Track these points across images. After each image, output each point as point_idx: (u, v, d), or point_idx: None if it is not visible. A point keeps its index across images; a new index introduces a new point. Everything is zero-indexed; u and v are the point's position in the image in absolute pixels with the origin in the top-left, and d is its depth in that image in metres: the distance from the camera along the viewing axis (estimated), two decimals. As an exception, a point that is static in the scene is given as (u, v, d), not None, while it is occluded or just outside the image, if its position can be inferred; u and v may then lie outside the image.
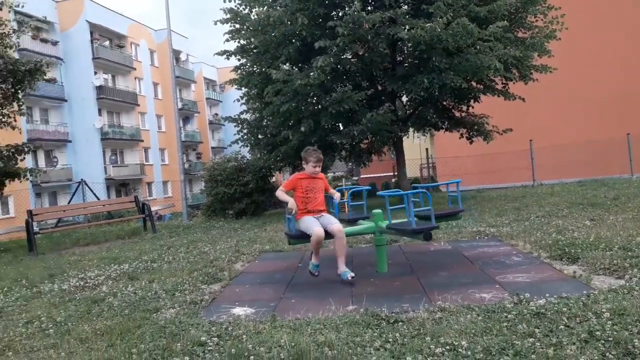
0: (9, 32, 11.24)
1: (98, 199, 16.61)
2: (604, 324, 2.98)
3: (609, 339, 2.79)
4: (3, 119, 11.23)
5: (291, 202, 4.82)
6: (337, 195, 5.30)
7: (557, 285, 4.04)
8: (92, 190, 16.43)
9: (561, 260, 4.88)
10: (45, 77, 12.09)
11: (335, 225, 4.79)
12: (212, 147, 52.81)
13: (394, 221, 4.82)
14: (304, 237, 4.84)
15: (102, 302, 4.62)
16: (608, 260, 4.48)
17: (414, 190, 4.97)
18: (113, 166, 38.07)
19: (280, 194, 4.95)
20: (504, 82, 12.25)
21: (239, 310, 4.06)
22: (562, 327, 3.03)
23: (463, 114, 13.31)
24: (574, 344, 2.78)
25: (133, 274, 5.88)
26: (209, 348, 3.17)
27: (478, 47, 9.82)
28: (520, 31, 11.90)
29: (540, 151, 16.16)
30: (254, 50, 11.91)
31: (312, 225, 4.75)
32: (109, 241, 10.13)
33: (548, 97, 18.16)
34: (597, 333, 2.86)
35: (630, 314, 3.09)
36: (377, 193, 5.87)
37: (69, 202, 18.39)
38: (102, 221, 13.87)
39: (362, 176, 37.70)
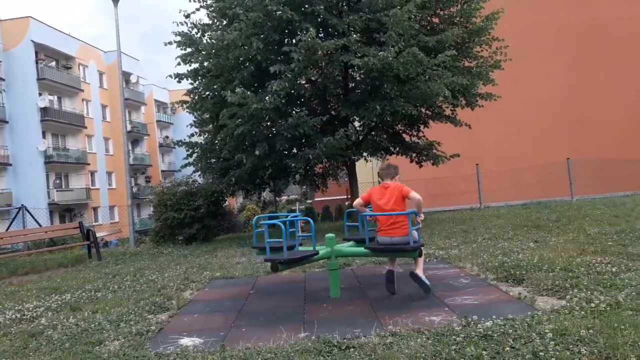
0: None
1: (39, 225, 15.82)
2: (547, 344, 3.07)
3: (552, 359, 2.88)
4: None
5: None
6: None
7: (503, 306, 4.15)
8: (32, 216, 15.63)
9: (507, 282, 5.02)
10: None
11: None
12: (162, 171, 51.66)
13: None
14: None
15: (40, 336, 4.38)
16: (551, 281, 4.66)
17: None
18: (57, 190, 36.49)
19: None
20: (451, 109, 12.68)
21: (187, 341, 3.94)
22: (508, 348, 3.11)
23: (413, 139, 13.64)
24: (520, 365, 2.85)
25: (75, 305, 5.61)
26: (154, 381, 3.05)
27: (427, 75, 10.15)
28: (467, 61, 12.41)
29: (486, 175, 16.74)
30: (208, 74, 11.82)
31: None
32: (51, 270, 9.64)
33: (494, 124, 18.91)
34: (541, 354, 2.95)
35: (572, 334, 3.20)
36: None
37: (7, 229, 17.43)
38: (44, 248, 13.16)
39: (316, 199, 37.59)
